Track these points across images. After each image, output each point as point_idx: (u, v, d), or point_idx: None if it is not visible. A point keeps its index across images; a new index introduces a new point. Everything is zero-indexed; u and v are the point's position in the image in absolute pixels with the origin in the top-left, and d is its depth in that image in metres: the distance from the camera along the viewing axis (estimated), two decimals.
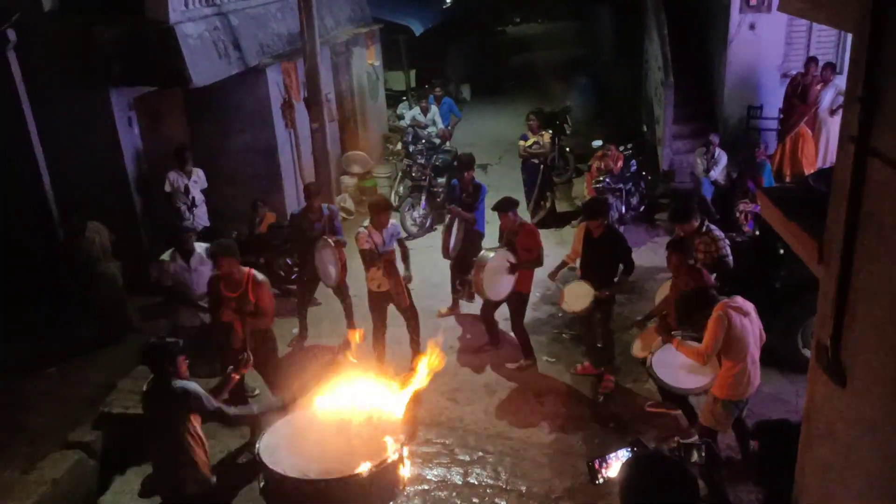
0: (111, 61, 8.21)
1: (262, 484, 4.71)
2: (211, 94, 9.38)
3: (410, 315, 7.54)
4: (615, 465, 3.35)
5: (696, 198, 9.85)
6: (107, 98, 8.42)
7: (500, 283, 7.26)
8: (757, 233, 8.44)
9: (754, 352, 5.45)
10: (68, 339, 8.19)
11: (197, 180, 9.03)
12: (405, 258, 7.41)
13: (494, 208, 7.48)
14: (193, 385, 4.84)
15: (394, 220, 7.50)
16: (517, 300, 7.52)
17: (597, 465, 3.40)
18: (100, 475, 6.57)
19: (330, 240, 7.60)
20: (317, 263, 7.73)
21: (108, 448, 6.74)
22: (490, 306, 7.79)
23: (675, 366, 5.76)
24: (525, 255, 7.26)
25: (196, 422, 4.85)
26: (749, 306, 5.45)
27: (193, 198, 8.94)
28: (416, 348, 7.62)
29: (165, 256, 7.14)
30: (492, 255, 7.19)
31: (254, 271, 6.31)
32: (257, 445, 4.77)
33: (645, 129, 13.80)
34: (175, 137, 9.71)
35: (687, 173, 11.56)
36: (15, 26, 7.81)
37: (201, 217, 9.09)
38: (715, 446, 5.27)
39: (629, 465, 2.84)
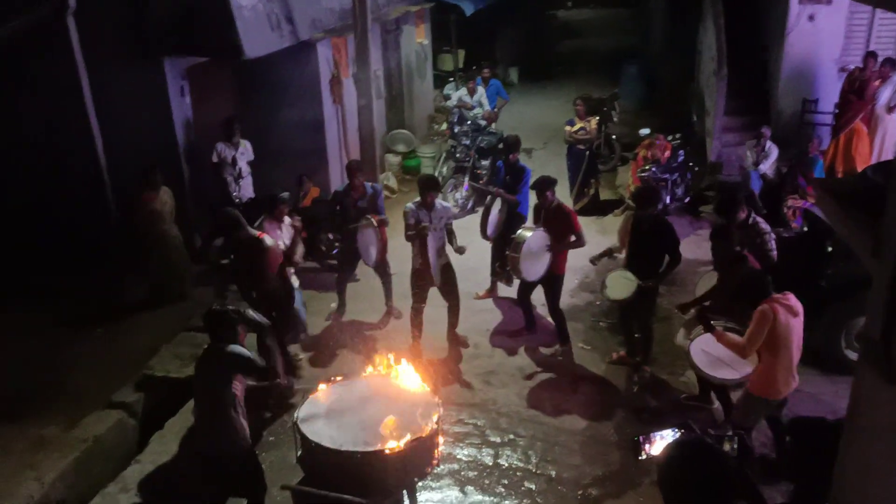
0: (166, 31, 8.32)
1: (298, 453, 4.80)
2: (261, 67, 9.46)
3: (451, 296, 7.55)
4: (660, 443, 3.34)
5: (744, 191, 9.68)
6: (161, 68, 8.55)
7: (536, 264, 7.25)
8: (805, 229, 8.28)
9: (795, 353, 5.36)
10: (115, 303, 8.41)
11: (244, 152, 9.16)
12: (450, 236, 7.41)
13: (533, 186, 7.47)
14: (242, 349, 4.97)
15: (445, 202, 7.51)
16: (552, 282, 7.50)
17: (642, 441, 3.40)
18: (140, 435, 6.76)
19: (373, 219, 7.65)
20: (358, 241, 7.79)
21: (148, 409, 6.93)
22: (526, 289, 7.78)
23: (715, 355, 5.70)
24: (560, 236, 7.23)
25: (239, 386, 4.97)
26: (799, 307, 5.33)
27: (240, 169, 9.08)
28: (454, 329, 7.65)
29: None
30: (529, 234, 7.16)
31: (264, 235, 6.70)
32: (295, 414, 4.86)
33: (694, 119, 13.58)
34: (224, 109, 9.83)
35: (735, 166, 11.37)
36: None
37: (246, 189, 9.23)
38: (748, 439, 5.22)
39: (673, 446, 2.82)
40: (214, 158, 9.00)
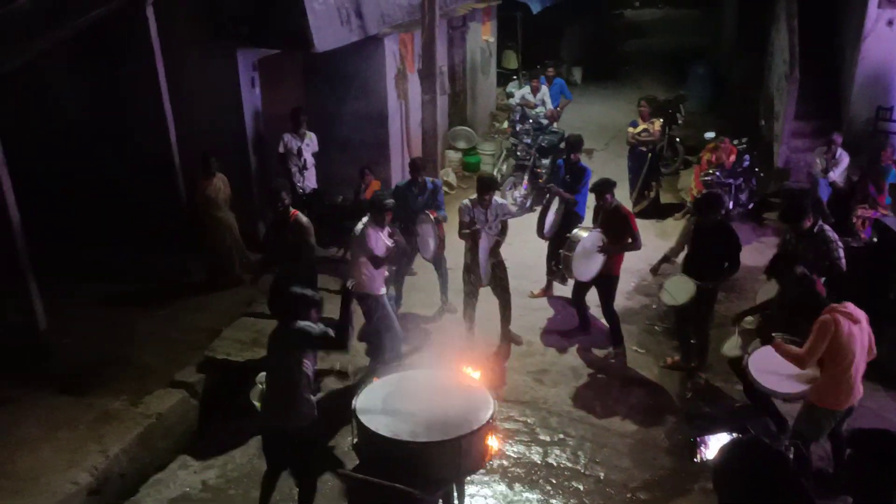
0: (240, 22, 8.55)
1: (354, 440, 4.90)
2: (329, 60, 9.63)
3: (503, 293, 7.60)
4: (715, 446, 3.33)
5: (811, 198, 9.43)
6: (233, 58, 8.80)
7: (590, 264, 7.23)
8: (874, 240, 8.04)
9: (860, 362, 5.24)
10: (180, 284, 8.70)
11: (309, 143, 9.34)
12: (502, 233, 7.41)
13: (592, 189, 7.44)
14: (311, 324, 5.07)
15: (502, 199, 7.49)
16: (606, 283, 7.47)
17: (699, 442, 3.38)
18: (200, 415, 6.96)
19: (432, 215, 7.74)
20: (417, 235, 7.89)
21: (209, 390, 7.12)
22: (581, 289, 7.77)
23: (772, 368, 5.60)
24: (617, 237, 7.20)
25: (310, 365, 5.11)
26: (860, 314, 5.23)
27: (305, 160, 9.26)
28: (507, 326, 7.69)
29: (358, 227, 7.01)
30: (585, 234, 7.16)
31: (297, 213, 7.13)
32: (353, 402, 4.96)
33: (762, 123, 13.28)
34: (292, 100, 10.03)
35: (803, 173, 11.10)
36: None
37: (310, 180, 9.42)
38: (805, 449, 5.13)
39: (731, 445, 2.81)
40: (281, 149, 9.20)
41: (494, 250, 7.36)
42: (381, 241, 6.86)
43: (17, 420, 6.42)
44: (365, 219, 6.91)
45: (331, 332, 5.01)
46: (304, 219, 7.15)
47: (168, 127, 8.73)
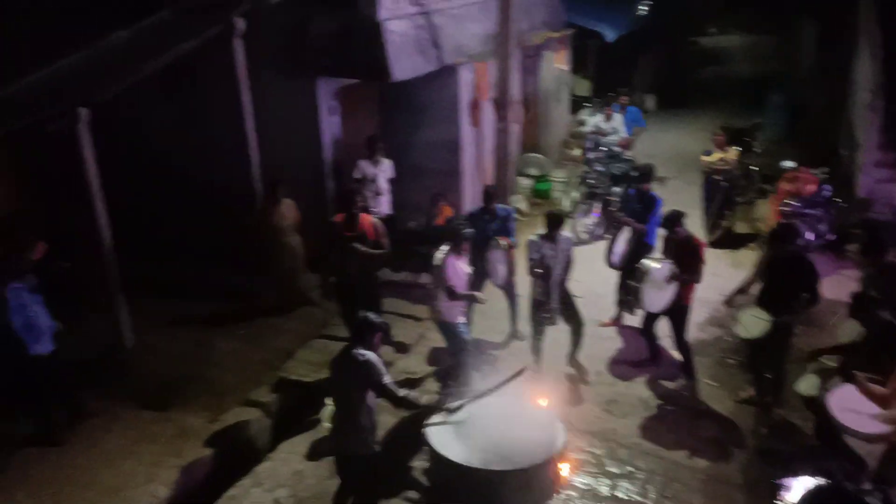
0: (322, 53, 8.84)
1: (426, 465, 4.97)
2: (405, 88, 9.83)
3: (573, 322, 7.58)
4: (798, 490, 3.26)
5: (894, 231, 9.13)
6: (314, 87, 9.10)
7: (660, 295, 7.16)
8: None
9: None
10: (256, 305, 8.95)
11: (385, 170, 9.51)
12: (568, 266, 7.44)
13: (663, 222, 7.40)
14: (375, 357, 5.18)
15: (568, 234, 7.57)
16: (678, 314, 7.39)
17: (781, 485, 3.32)
18: (273, 434, 7.13)
19: (502, 242, 7.81)
20: (487, 261, 7.97)
21: (282, 410, 7.30)
22: (650, 320, 7.70)
23: (852, 406, 5.43)
24: (687, 267, 7.13)
25: (371, 391, 5.19)
26: None
27: (380, 186, 9.46)
28: (576, 356, 7.66)
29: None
30: (655, 265, 7.13)
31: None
32: (426, 428, 5.03)
33: (843, 153, 12.90)
34: (368, 128, 10.26)
35: (887, 204, 10.72)
36: (243, 15, 8.64)
37: (384, 206, 9.59)
38: (892, 494, 4.95)
39: (813, 494, 2.75)
40: (356, 175, 9.41)
41: (563, 284, 7.39)
42: (460, 269, 6.97)
43: (103, 433, 6.75)
44: (444, 247, 7.02)
45: (399, 392, 5.11)
46: (376, 219, 7.54)
47: (250, 152, 9.07)
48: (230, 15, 8.45)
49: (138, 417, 6.97)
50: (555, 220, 7.32)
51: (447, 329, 7.08)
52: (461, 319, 7.13)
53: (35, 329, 6.37)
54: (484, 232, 8.05)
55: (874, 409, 5.24)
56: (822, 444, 6.37)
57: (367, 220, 7.61)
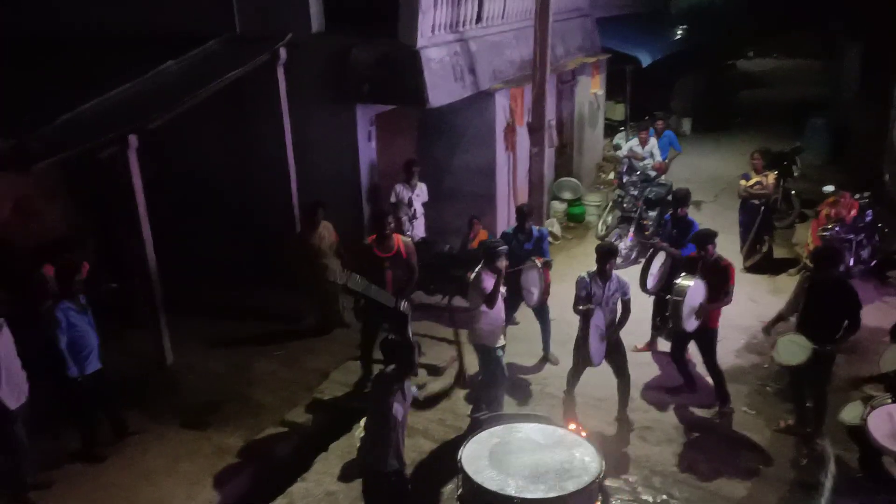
0: (362, 80, 9.03)
1: (459, 491, 4.98)
2: (441, 114, 9.98)
3: (619, 370, 7.28)
4: None
5: None
6: (353, 114, 9.28)
7: (693, 315, 7.10)
8: None
9: None
10: (293, 326, 9.09)
11: (420, 194, 9.64)
12: (624, 313, 7.05)
13: (693, 240, 7.32)
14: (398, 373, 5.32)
15: (625, 278, 7.07)
16: (705, 336, 7.32)
17: None
18: (307, 454, 7.13)
19: (538, 262, 7.83)
20: (521, 283, 8.00)
21: (316, 431, 7.37)
22: (680, 345, 7.63)
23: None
24: (716, 289, 7.06)
25: (401, 409, 5.27)
26: None
27: (415, 210, 9.57)
28: (624, 408, 7.39)
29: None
30: (691, 282, 7.00)
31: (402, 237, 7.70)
32: (460, 453, 5.05)
33: (886, 178, 12.70)
34: (405, 152, 10.42)
35: None
36: (286, 45, 8.87)
37: (419, 229, 9.70)
38: None
39: None
40: (392, 199, 9.55)
41: (611, 326, 7.00)
42: (493, 282, 6.94)
43: (144, 451, 6.91)
44: (479, 266, 7.04)
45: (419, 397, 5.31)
46: (407, 240, 7.74)
47: (290, 175, 9.30)
48: (274, 45, 8.71)
49: (178, 435, 7.13)
50: (603, 255, 6.82)
51: (485, 353, 7.08)
52: (500, 344, 7.08)
53: (85, 348, 6.57)
54: (518, 251, 8.09)
55: None
56: (866, 476, 6.26)
57: (399, 240, 7.70)
